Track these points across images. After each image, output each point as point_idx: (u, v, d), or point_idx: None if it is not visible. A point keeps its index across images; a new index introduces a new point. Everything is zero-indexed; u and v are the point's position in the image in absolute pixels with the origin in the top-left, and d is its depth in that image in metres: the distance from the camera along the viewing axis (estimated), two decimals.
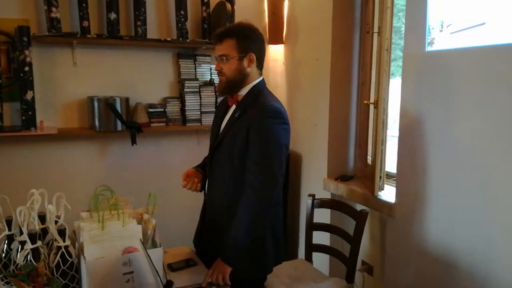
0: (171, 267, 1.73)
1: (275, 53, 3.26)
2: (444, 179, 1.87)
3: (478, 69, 1.69)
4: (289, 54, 3.15)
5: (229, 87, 1.73)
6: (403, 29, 2.43)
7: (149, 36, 2.80)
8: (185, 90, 2.97)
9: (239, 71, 1.70)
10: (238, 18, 2.98)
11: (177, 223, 2.95)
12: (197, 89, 3.00)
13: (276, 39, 3.15)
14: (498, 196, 1.63)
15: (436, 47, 1.85)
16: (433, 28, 1.86)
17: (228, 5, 2.91)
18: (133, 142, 2.81)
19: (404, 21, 2.41)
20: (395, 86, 2.29)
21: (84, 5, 2.61)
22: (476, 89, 1.69)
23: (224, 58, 1.69)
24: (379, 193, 2.29)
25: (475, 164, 1.72)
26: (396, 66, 2.53)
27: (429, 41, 1.87)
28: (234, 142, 1.68)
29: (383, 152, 2.26)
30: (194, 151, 2.98)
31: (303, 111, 2.96)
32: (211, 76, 3.08)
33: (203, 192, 1.92)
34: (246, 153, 1.66)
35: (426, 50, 1.91)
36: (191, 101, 2.99)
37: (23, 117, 2.53)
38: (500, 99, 1.60)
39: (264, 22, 3.19)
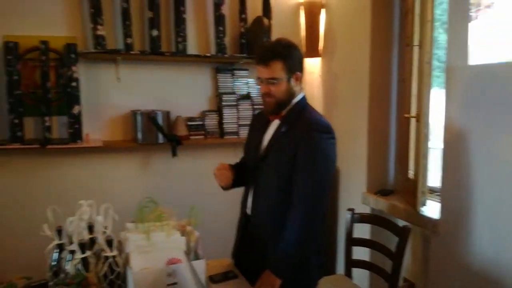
0: (212, 279, 1.75)
1: (312, 66, 3.27)
2: (490, 195, 1.81)
3: None
4: (325, 67, 3.15)
5: (278, 107, 1.75)
6: (439, 39, 2.40)
7: (189, 51, 2.88)
8: (223, 103, 3.02)
9: (288, 91, 1.72)
10: (275, 32, 3.03)
11: (214, 235, 2.97)
12: (235, 103, 3.05)
13: (313, 52, 3.16)
14: None
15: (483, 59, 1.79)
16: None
17: (266, 20, 2.96)
18: (174, 154, 2.87)
19: (440, 31, 2.37)
20: (434, 98, 2.24)
21: (127, 22, 2.71)
22: None
23: (274, 81, 1.69)
24: (422, 208, 2.23)
25: None
26: (433, 77, 2.48)
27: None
28: (281, 156, 1.69)
29: (425, 167, 2.21)
30: (231, 163, 3.00)
31: (340, 124, 2.93)
32: (248, 90, 3.12)
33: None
34: (293, 168, 1.66)
35: (468, 64, 1.87)
36: (228, 114, 3.04)
37: (70, 130, 2.65)
38: None
39: (300, 35, 3.21)
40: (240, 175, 1.88)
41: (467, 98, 1.91)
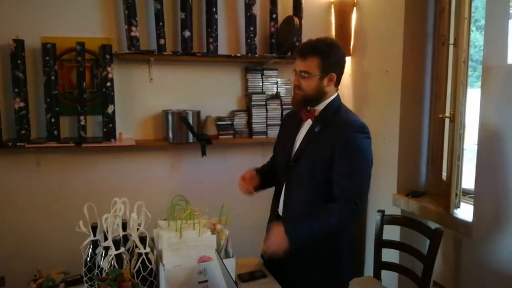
0: (241, 278, 1.76)
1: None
2: None
3: None
4: (356, 66, 3.11)
5: (305, 102, 1.74)
6: (472, 38, 2.33)
7: (220, 52, 2.91)
8: (252, 103, 3.03)
9: (318, 89, 1.70)
10: (306, 31, 3.02)
11: (243, 234, 2.98)
12: (264, 102, 3.05)
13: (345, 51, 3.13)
14: None
15: None
16: None
17: (296, 20, 2.94)
18: (203, 153, 2.91)
19: (472, 29, 2.30)
20: (471, 99, 2.18)
21: (160, 24, 2.76)
22: None
23: (306, 74, 1.68)
24: (455, 211, 2.18)
25: None
26: (472, 77, 2.41)
27: None
28: (317, 157, 1.68)
29: (459, 168, 2.16)
30: (259, 163, 2.97)
31: (371, 124, 2.85)
32: (277, 90, 3.13)
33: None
34: (329, 168, 1.65)
35: (507, 63, 1.82)
36: (257, 114, 3.05)
37: (104, 129, 2.72)
38: None
39: (331, 34, 3.19)
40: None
41: (504, 97, 1.85)
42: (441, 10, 2.38)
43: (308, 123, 1.77)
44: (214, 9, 2.85)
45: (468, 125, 2.21)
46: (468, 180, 2.27)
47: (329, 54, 1.67)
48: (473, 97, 2.15)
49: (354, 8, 3.09)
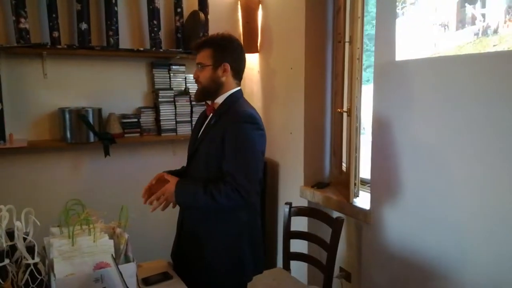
0: (146, 281, 1.70)
1: (251, 61, 3.27)
2: (415, 184, 1.91)
3: (442, 76, 1.74)
4: (264, 63, 3.16)
5: (204, 94, 1.79)
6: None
7: (121, 46, 2.77)
8: (160, 100, 2.94)
9: (213, 79, 1.74)
10: (212, 27, 3.00)
11: (155, 236, 2.91)
12: (172, 99, 2.98)
13: (251, 48, 3.17)
14: (462, 199, 1.68)
15: (437, 50, 1.79)
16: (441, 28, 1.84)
17: (202, 15, 2.91)
18: (106, 153, 2.76)
19: (368, 28, 2.46)
20: (369, 92, 2.32)
21: (54, 15, 2.56)
22: (440, 96, 1.74)
23: (200, 66, 1.75)
24: (355, 199, 2.31)
25: (441, 169, 1.76)
26: (371, 72, 2.56)
27: (434, 43, 1.82)
28: (210, 148, 1.69)
29: (357, 159, 2.29)
30: (169, 161, 2.90)
31: (279, 119, 2.98)
32: (186, 86, 3.07)
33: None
34: (221, 158, 1.66)
35: (395, 59, 1.96)
36: (166, 111, 2.97)
37: None
38: (461, 104, 1.65)
39: (238, 31, 3.20)
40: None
41: (392, 91, 1.99)
42: (338, 9, 2.50)
43: (208, 117, 1.81)
44: (114, 1, 2.70)
45: (368, 119, 2.34)
46: (367, 171, 2.42)
47: (220, 44, 1.74)
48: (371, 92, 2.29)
49: (260, 5, 3.14)
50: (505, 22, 1.50)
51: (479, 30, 1.60)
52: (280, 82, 2.98)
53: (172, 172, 1.86)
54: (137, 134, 2.92)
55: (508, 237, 1.55)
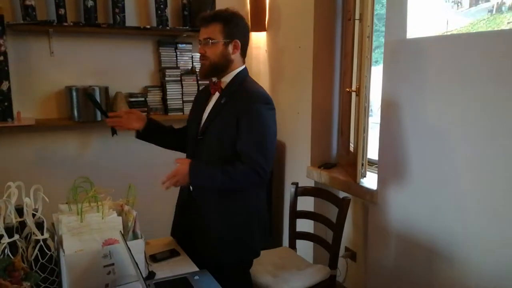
0: (155, 258, 1.72)
1: (258, 40, 3.23)
2: (422, 165, 1.89)
3: (454, 55, 1.70)
4: (271, 42, 3.12)
5: (212, 71, 1.72)
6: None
7: (128, 23, 2.74)
8: (166, 79, 2.92)
9: (223, 56, 1.69)
10: (220, 4, 2.94)
11: (160, 214, 2.91)
12: (179, 78, 2.96)
13: (259, 26, 3.12)
14: (472, 181, 1.66)
15: (449, 28, 1.75)
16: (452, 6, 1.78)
17: None
18: (113, 132, 2.75)
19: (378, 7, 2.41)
20: (378, 74, 2.29)
21: None
22: (451, 75, 1.71)
23: (210, 41, 1.67)
24: (362, 180, 2.31)
25: (449, 151, 1.74)
26: (380, 53, 2.52)
27: (440, 22, 1.78)
28: (223, 127, 1.67)
29: (365, 140, 2.27)
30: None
31: (286, 99, 2.95)
32: (192, 65, 3.04)
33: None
34: (235, 137, 1.65)
35: (406, 37, 1.92)
36: (172, 90, 2.95)
37: None
38: (474, 85, 1.62)
39: (246, 9, 3.15)
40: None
41: (402, 71, 1.96)
42: None
43: (216, 97, 1.77)
44: None
45: (377, 100, 2.32)
46: (375, 151, 2.41)
47: (231, 20, 1.69)
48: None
49: None
50: None
51: (493, 6, 1.55)
52: (288, 62, 2.94)
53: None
54: (144, 113, 2.90)
55: None
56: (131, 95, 2.87)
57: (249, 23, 3.08)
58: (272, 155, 1.68)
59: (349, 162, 2.47)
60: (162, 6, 2.81)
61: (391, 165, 2.05)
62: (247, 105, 1.65)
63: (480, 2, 1.61)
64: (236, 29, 1.69)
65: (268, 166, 1.64)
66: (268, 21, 3.13)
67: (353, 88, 2.34)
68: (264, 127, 1.65)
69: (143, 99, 2.90)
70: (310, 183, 2.67)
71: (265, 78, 3.17)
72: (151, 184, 2.64)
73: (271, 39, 3.12)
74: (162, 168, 1.86)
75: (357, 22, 2.31)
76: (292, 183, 2.38)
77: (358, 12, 2.27)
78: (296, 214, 2.36)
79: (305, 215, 2.37)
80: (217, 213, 1.73)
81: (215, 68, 1.71)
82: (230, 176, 1.61)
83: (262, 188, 1.81)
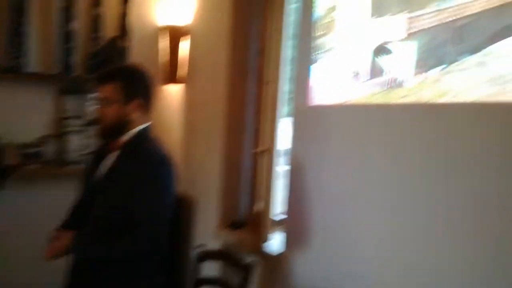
0: None
1: (173, 92, 3.15)
2: (327, 231, 1.88)
3: (352, 124, 1.77)
4: (188, 95, 3.05)
5: (108, 133, 1.63)
6: None
7: (27, 69, 2.53)
8: (68, 128, 2.71)
9: (121, 117, 1.60)
10: (133, 56, 2.85)
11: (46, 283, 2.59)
12: (82, 128, 2.76)
13: (174, 78, 3.05)
14: (378, 244, 1.67)
15: (345, 98, 1.84)
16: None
17: (120, 42, 2.78)
18: (1, 187, 2.45)
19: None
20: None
21: None
22: (351, 144, 1.77)
23: (106, 102, 1.57)
24: (268, 241, 2.24)
25: (352, 215, 1.76)
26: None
27: (342, 91, 1.85)
28: (114, 189, 1.57)
29: (270, 201, 2.24)
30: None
31: (198, 156, 2.86)
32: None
33: None
34: (125, 199, 1.55)
35: (309, 105, 1.97)
36: (74, 141, 2.74)
37: None
38: (369, 154, 1.68)
39: (159, 60, 3.08)
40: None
41: (308, 135, 1.99)
42: (261, 50, 2.50)
43: (113, 155, 1.66)
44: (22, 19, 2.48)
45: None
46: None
47: (131, 78, 1.60)
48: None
49: (187, 36, 3.03)
50: (415, 75, 1.54)
51: (387, 81, 1.64)
52: (201, 116, 2.88)
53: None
54: (39, 166, 2.64)
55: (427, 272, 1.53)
56: (24, 145, 2.59)
57: (164, 75, 3.00)
58: (160, 218, 1.58)
59: (256, 222, 2.41)
60: (69, 53, 2.65)
61: (300, 225, 2.02)
62: (140, 165, 1.56)
63: (376, 76, 1.69)
64: (137, 87, 1.61)
65: (153, 232, 1.56)
66: (184, 74, 3.08)
67: (262, 148, 2.34)
68: (156, 191, 1.57)
69: (38, 150, 2.62)
70: (218, 245, 2.54)
71: (179, 131, 3.06)
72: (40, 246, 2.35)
73: (187, 92, 3.06)
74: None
75: (268, 84, 2.35)
76: (195, 247, 2.25)
77: (268, 76, 2.32)
78: (198, 282, 2.20)
79: (208, 282, 2.23)
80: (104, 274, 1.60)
81: (111, 130, 1.61)
82: (110, 245, 1.54)
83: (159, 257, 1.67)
